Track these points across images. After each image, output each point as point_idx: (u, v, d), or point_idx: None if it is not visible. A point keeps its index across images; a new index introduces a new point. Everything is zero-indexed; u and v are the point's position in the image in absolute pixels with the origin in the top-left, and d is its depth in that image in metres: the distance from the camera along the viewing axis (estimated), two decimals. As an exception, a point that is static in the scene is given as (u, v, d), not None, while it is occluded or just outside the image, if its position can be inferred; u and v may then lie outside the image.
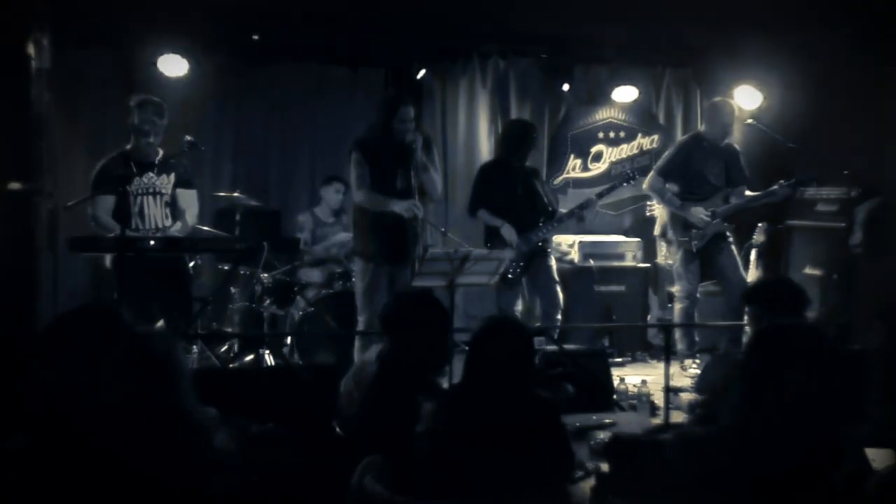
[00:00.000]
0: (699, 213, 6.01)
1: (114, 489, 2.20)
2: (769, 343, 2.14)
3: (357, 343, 5.25)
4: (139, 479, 2.22)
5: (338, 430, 3.46)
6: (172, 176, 5.30)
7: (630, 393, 5.18)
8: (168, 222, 5.28)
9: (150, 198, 5.24)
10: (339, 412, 3.44)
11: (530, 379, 2.85)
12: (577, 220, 6.04)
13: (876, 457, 2.29)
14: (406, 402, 2.95)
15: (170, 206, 5.32)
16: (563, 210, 6.14)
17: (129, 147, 5.25)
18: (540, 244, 5.93)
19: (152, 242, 4.85)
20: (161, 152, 5.28)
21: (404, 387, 3.10)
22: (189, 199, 5.37)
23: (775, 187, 6.01)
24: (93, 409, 2.34)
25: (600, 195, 6.16)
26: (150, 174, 5.22)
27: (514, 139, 6.02)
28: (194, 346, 5.67)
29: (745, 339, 5.07)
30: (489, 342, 2.79)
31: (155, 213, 5.27)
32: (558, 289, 6.01)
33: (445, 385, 3.55)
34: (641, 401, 5.00)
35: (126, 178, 5.00)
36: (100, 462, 2.22)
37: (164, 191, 5.27)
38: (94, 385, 2.39)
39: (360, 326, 5.29)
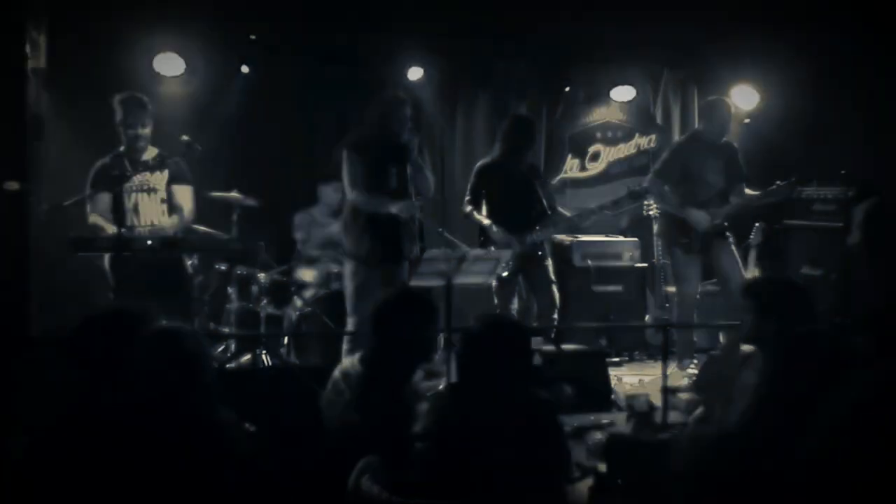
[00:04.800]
0: (699, 215, 5.99)
1: (135, 485, 2.20)
2: (792, 351, 2.12)
3: (345, 346, 5.21)
4: (161, 475, 2.22)
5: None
6: (166, 173, 5.34)
7: (628, 393, 5.17)
8: (164, 219, 5.31)
9: (145, 195, 5.29)
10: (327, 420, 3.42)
11: (528, 379, 2.84)
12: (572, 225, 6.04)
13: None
14: (397, 400, 2.95)
15: (166, 203, 5.35)
16: (565, 211, 6.10)
17: (122, 147, 5.29)
18: (536, 245, 5.91)
19: (149, 242, 4.87)
20: (155, 151, 5.32)
21: (393, 385, 3.09)
22: (184, 195, 5.42)
23: (773, 187, 5.98)
24: (120, 407, 2.34)
25: (602, 208, 6.15)
26: (145, 172, 5.25)
27: (510, 135, 5.98)
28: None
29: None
30: (486, 341, 2.78)
31: (150, 210, 5.31)
32: (555, 289, 6.00)
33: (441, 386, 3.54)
34: (639, 401, 4.99)
35: (121, 178, 5.02)
36: (124, 459, 2.22)
37: (158, 187, 5.32)
38: (121, 384, 2.39)
39: (350, 329, 5.26)
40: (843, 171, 6.18)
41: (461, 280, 4.86)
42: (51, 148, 5.69)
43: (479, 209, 5.89)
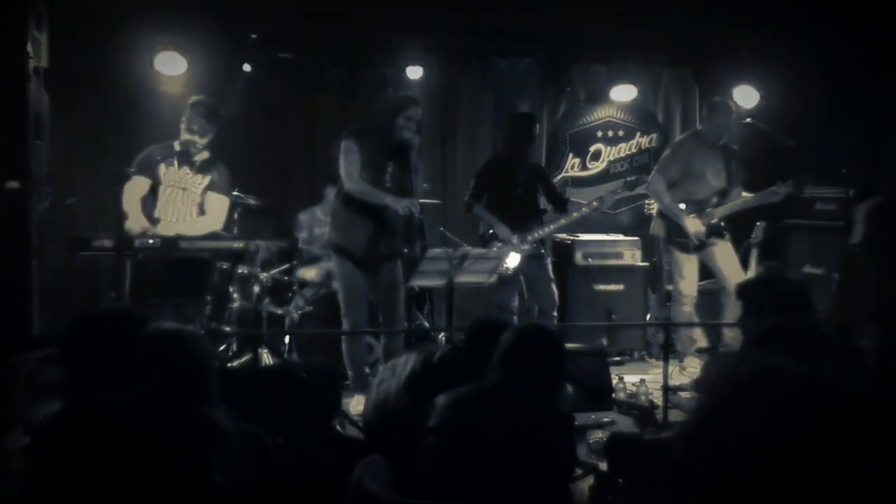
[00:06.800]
0: (695, 224, 6.00)
1: (135, 485, 2.20)
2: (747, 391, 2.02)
3: (345, 346, 5.20)
4: (161, 476, 2.22)
5: (338, 427, 3.45)
6: (207, 179, 5.35)
7: (629, 392, 5.17)
8: (191, 219, 5.37)
9: (180, 192, 5.31)
10: (367, 397, 3.42)
11: (557, 393, 2.82)
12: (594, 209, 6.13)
13: None
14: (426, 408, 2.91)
15: (197, 206, 5.37)
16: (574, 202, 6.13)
17: (177, 143, 5.30)
18: (536, 244, 5.92)
19: (150, 241, 4.87)
20: (207, 154, 5.32)
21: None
22: (216, 203, 5.43)
23: (774, 188, 5.98)
24: (120, 407, 2.34)
25: (601, 200, 6.16)
26: (187, 169, 5.26)
27: (511, 133, 6.02)
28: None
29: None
30: (529, 353, 2.75)
31: (180, 208, 5.32)
32: (554, 287, 6.01)
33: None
34: (640, 399, 4.99)
35: (162, 161, 5.03)
36: (123, 459, 2.22)
37: (194, 189, 5.33)
38: (121, 384, 2.39)
39: (346, 328, 5.23)
40: (843, 171, 6.17)
41: (462, 279, 4.86)
42: (52, 147, 5.69)
43: (480, 203, 5.91)
